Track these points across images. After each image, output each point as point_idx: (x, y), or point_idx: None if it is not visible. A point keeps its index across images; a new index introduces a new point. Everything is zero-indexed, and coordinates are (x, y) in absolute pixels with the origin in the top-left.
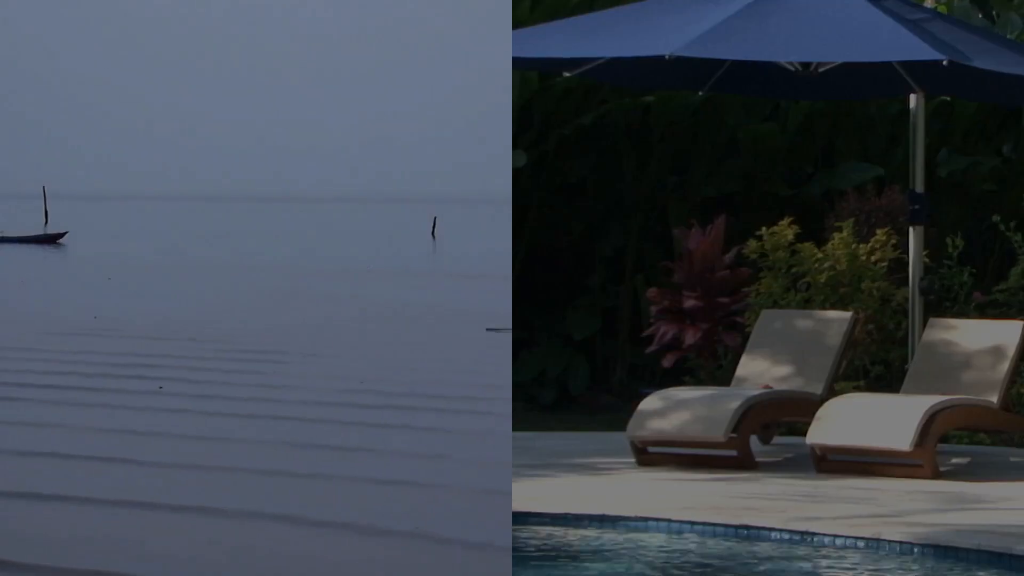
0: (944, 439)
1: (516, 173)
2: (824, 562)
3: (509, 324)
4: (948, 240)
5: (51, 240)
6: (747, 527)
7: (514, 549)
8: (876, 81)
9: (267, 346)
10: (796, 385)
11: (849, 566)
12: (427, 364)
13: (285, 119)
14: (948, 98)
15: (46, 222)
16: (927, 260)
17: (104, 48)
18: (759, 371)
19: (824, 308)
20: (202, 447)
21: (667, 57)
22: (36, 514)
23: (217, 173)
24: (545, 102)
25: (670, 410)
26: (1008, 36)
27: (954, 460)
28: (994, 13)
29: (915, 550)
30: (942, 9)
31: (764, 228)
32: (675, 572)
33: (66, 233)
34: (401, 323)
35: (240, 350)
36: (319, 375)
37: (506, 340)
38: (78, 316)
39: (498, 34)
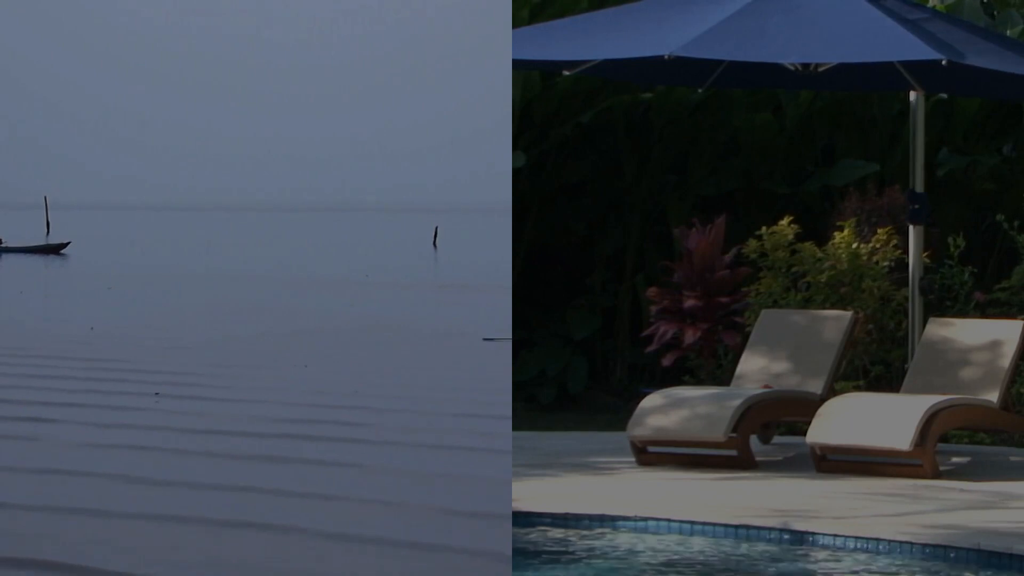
0: (944, 439)
1: (516, 173)
2: (824, 562)
3: (509, 334)
4: (950, 240)
5: (54, 250)
6: (747, 527)
7: (514, 549)
8: (876, 79)
9: (262, 354)
10: (796, 384)
11: (849, 566)
12: (426, 369)
13: (286, 129)
14: (945, 96)
15: (48, 232)
16: (928, 260)
17: (105, 60)
18: (759, 370)
19: (824, 308)
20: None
21: (667, 57)
22: None
23: (217, 184)
24: (546, 103)
25: (670, 409)
26: (1007, 33)
27: (954, 460)
28: (994, 12)
29: (915, 550)
30: (941, 8)
31: (764, 228)
32: (675, 572)
33: (69, 243)
34: (400, 332)
35: (233, 359)
36: (314, 383)
37: (505, 347)
38: (74, 326)
39: (499, 40)
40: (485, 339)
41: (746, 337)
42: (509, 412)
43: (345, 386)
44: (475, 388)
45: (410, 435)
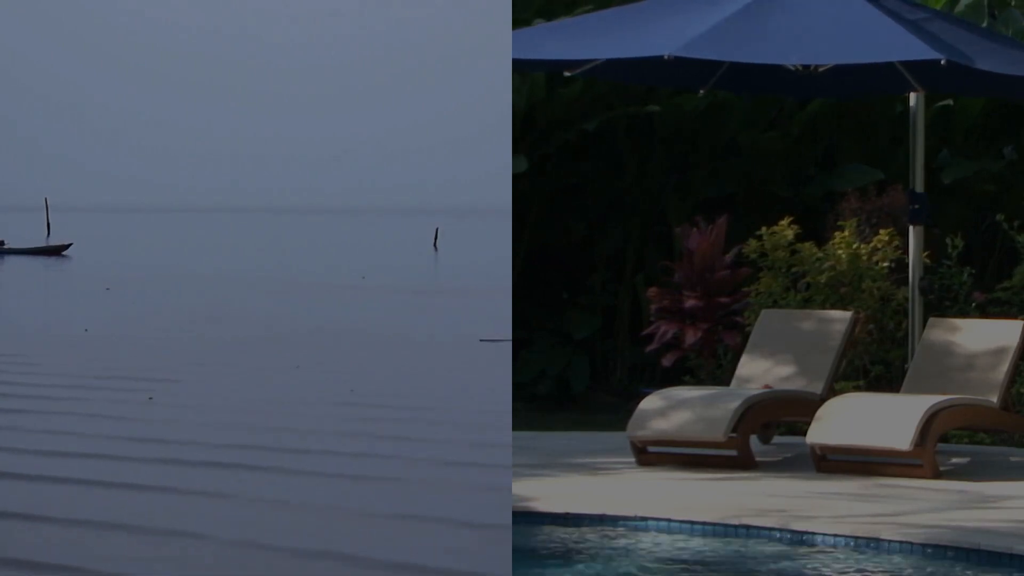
0: (944, 439)
1: (518, 176)
2: (824, 562)
3: (509, 335)
4: (948, 240)
5: (55, 252)
6: (747, 527)
7: (514, 549)
8: (877, 80)
9: (258, 357)
10: (796, 385)
11: (849, 566)
12: (425, 371)
13: (286, 129)
14: (951, 102)
15: (48, 234)
16: (928, 260)
17: (105, 61)
18: (759, 371)
19: (824, 308)
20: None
21: (666, 58)
22: None
23: (216, 184)
24: (551, 108)
25: (670, 410)
26: (1009, 32)
27: (954, 460)
28: (995, 12)
29: (915, 550)
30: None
31: (764, 228)
32: (675, 572)
33: (70, 245)
34: (398, 335)
35: (228, 362)
36: (310, 385)
37: (505, 348)
38: (71, 328)
39: (499, 40)
40: (482, 340)
41: (746, 337)
42: (509, 412)
43: (340, 388)
44: (474, 389)
45: (409, 436)
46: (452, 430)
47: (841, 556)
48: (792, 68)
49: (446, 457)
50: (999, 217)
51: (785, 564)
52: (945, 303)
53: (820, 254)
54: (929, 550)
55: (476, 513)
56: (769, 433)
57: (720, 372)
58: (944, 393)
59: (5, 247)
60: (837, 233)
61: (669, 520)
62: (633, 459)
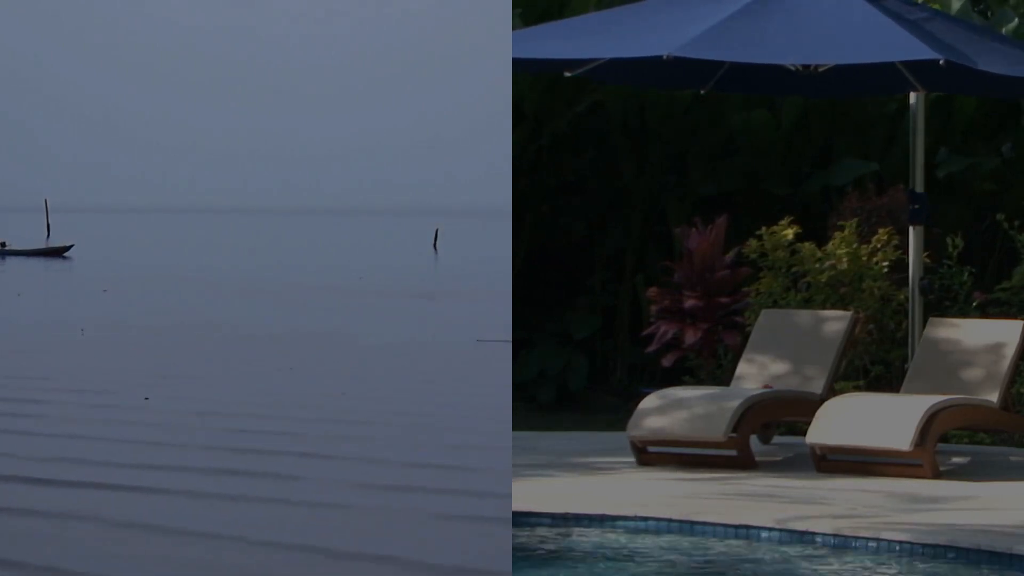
0: (944, 439)
1: (517, 175)
2: (823, 562)
3: (509, 336)
4: (948, 240)
5: (57, 253)
6: (747, 527)
7: (514, 549)
8: (877, 79)
9: (255, 357)
10: (796, 385)
11: (848, 566)
12: (425, 372)
13: (286, 130)
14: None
15: (48, 235)
16: (928, 260)
17: (105, 61)
18: (759, 371)
19: (824, 308)
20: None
21: (665, 58)
22: None
23: (216, 185)
24: (538, 95)
25: (670, 409)
26: (1003, 31)
27: (954, 460)
28: (988, 13)
29: (915, 550)
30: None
31: (764, 228)
32: (675, 572)
33: (72, 246)
34: (395, 336)
35: (224, 363)
36: (306, 386)
37: (505, 349)
38: (66, 329)
39: (499, 40)
40: (479, 340)
41: (746, 337)
42: (509, 412)
43: (336, 389)
44: (474, 389)
45: (409, 436)
46: (451, 430)
47: (841, 556)
48: (792, 68)
49: (444, 458)
50: (999, 217)
51: (785, 564)
52: (945, 303)
53: (820, 254)
54: (929, 550)
55: (476, 513)
56: (769, 433)
57: (720, 372)
58: (944, 393)
59: (7, 248)
60: (837, 233)
61: (669, 520)
62: (633, 459)
